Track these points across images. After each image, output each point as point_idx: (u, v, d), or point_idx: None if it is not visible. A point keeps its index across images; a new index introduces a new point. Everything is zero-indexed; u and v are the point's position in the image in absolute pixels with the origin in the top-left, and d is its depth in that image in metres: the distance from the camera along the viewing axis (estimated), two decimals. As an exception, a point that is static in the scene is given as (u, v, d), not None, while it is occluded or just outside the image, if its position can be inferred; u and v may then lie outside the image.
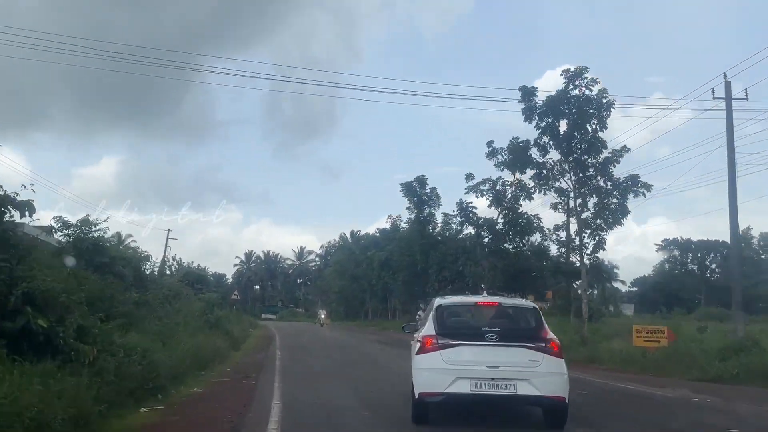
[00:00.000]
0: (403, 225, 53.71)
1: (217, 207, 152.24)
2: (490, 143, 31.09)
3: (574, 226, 23.81)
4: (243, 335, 29.10)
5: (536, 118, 23.95)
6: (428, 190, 41.56)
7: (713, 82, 19.42)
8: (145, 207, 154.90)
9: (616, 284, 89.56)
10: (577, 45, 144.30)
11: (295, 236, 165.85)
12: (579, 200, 23.28)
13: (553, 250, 28.35)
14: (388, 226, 54.77)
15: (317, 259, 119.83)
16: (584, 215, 23.06)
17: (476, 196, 31.10)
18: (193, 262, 77.96)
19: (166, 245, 51.39)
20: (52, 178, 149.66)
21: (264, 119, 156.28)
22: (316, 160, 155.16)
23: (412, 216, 42.06)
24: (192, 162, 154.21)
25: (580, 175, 23.04)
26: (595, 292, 50.67)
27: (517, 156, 30.01)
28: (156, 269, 42.56)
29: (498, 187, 30.36)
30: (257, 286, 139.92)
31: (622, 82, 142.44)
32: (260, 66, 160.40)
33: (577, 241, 23.64)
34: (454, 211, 31.54)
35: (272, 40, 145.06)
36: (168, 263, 52.73)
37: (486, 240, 31.24)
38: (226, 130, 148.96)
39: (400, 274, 44.36)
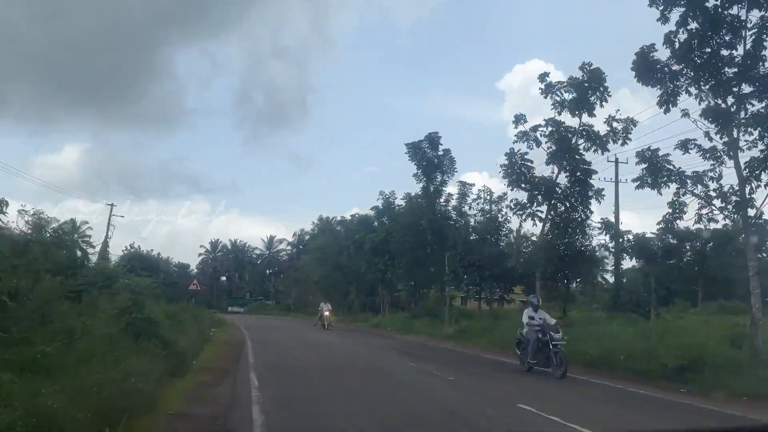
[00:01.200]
0: (399, 202, 44.60)
1: (184, 197, 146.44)
2: (543, 76, 22.41)
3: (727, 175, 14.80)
4: (199, 342, 19.67)
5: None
6: (441, 152, 32.45)
7: None
8: (110, 197, 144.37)
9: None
10: (550, 39, 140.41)
11: (264, 227, 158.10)
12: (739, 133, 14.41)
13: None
14: (380, 203, 45.52)
15: (289, 247, 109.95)
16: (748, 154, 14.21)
17: (528, 147, 22.23)
18: (152, 250, 67.91)
19: (108, 223, 41.21)
20: (12, 164, 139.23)
21: (234, 108, 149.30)
22: (285, 151, 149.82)
23: (421, 185, 32.87)
24: (159, 151, 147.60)
25: (744, 89, 14.21)
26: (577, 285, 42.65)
27: (585, 92, 21.42)
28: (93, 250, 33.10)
29: (562, 131, 21.53)
30: (224, 277, 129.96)
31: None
32: (230, 54, 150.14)
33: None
34: (501, 166, 22.38)
35: (243, 27, 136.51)
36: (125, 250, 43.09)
37: (542, 208, 22.27)
38: (195, 119, 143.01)
39: (402, 259, 35.18)
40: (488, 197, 27.54)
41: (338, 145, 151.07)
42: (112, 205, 41.32)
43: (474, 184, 32.54)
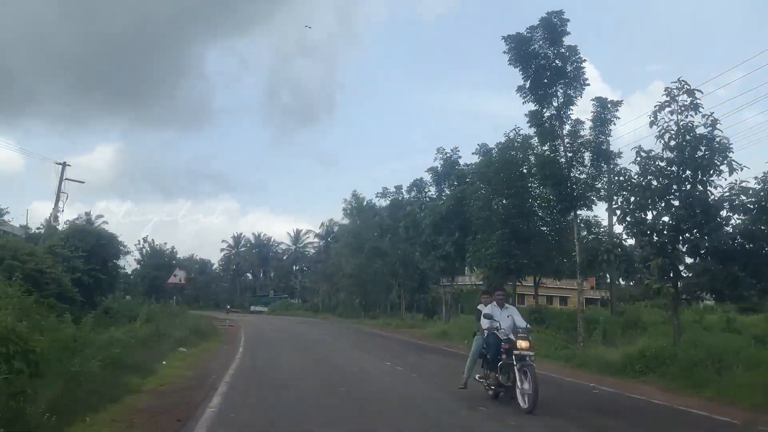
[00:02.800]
0: (468, 159, 31.32)
1: (212, 196, 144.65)
2: None
3: None
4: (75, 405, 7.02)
5: None
6: (564, 50, 18.97)
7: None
8: (139, 196, 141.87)
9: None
10: (583, 30, 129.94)
11: (291, 225, 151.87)
12: None
13: None
14: (438, 164, 32.18)
15: (316, 240, 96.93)
16: None
17: None
18: (165, 243, 56.74)
19: (60, 188, 28.73)
20: (45, 166, 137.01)
21: (261, 107, 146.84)
22: (312, 149, 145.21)
23: (529, 107, 19.30)
24: (187, 150, 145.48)
25: None
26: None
27: None
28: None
29: None
30: (249, 274, 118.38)
31: (621, 71, 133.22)
32: (258, 52, 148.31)
33: None
34: None
35: (270, 24, 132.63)
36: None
37: None
38: (222, 118, 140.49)
39: (492, 234, 21.88)
40: (688, 100, 13.83)
41: (365, 141, 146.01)
42: (63, 164, 28.71)
43: (622, 102, 18.79)
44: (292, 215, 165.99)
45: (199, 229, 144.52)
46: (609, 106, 18.94)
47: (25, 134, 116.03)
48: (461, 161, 31.74)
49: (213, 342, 20.36)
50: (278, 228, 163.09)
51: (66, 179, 27.91)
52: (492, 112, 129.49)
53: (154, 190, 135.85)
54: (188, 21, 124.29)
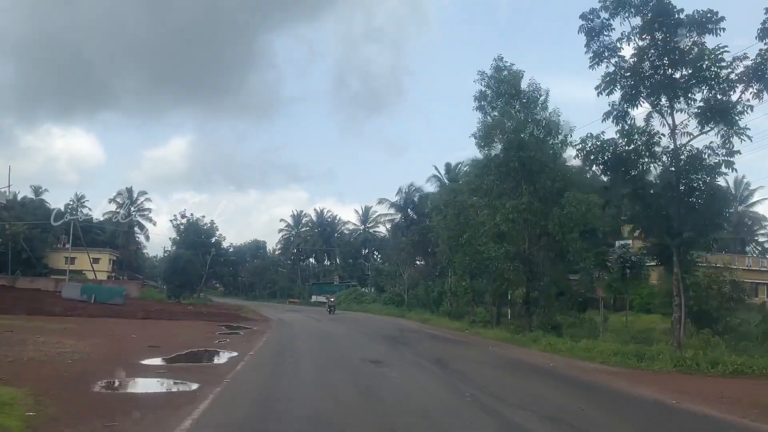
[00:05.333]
0: None
1: (282, 186, 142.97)
2: None
3: None
4: None
5: None
6: None
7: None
8: (212, 187, 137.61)
9: None
10: None
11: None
12: None
13: None
14: None
15: (392, 210, 72.67)
16: None
17: None
18: (204, 216, 35.26)
19: None
20: (124, 159, 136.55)
21: (330, 95, 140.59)
22: (381, 136, 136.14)
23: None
24: (257, 141, 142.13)
25: None
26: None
27: None
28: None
29: None
30: (312, 259, 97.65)
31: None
32: (326, 39, 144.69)
33: None
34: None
35: (337, 10, 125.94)
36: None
37: None
38: (292, 107, 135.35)
39: None
40: None
41: (435, 127, 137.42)
42: None
43: None
44: (360, 205, 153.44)
45: (269, 219, 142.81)
46: None
47: (104, 127, 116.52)
48: None
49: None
50: (348, 217, 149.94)
51: None
52: (565, 96, 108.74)
53: (226, 181, 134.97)
54: (257, 8, 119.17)
